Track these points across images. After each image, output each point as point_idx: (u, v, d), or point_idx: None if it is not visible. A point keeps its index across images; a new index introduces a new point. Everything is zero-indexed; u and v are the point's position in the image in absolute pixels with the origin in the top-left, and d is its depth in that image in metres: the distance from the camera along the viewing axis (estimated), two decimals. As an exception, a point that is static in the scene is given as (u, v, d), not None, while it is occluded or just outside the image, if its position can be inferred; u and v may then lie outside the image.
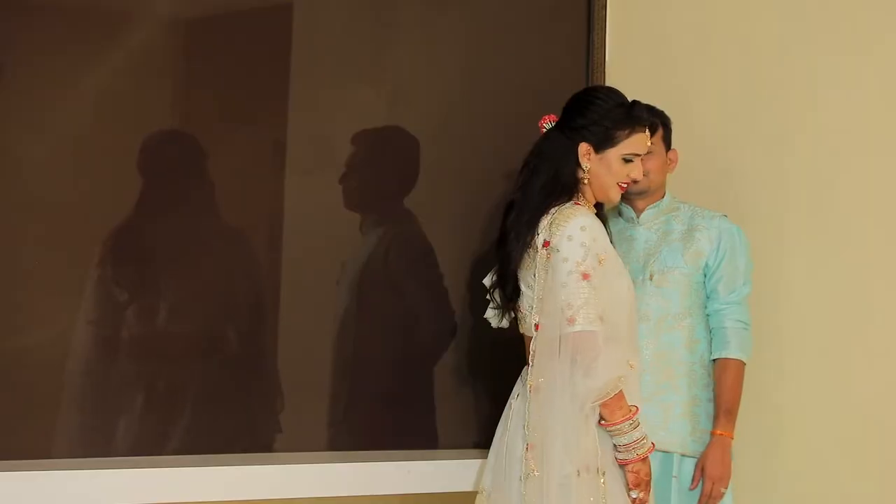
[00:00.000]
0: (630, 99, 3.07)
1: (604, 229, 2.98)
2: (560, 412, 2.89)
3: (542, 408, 2.93)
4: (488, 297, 3.14)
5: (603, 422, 2.90)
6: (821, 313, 3.49)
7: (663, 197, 3.47)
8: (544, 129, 3.09)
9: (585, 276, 2.87)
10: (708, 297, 3.40)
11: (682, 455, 3.33)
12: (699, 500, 3.30)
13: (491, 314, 3.15)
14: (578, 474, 2.87)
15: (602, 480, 2.88)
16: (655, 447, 3.06)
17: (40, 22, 3.09)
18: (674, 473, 3.31)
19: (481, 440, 3.52)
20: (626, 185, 3.05)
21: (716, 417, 3.34)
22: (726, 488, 3.30)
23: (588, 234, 2.91)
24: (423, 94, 3.60)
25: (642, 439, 2.91)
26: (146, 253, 3.22)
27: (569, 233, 2.91)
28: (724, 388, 3.34)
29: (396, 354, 3.54)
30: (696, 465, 3.32)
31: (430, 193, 3.58)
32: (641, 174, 3.05)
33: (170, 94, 3.30)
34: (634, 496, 2.90)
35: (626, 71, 3.83)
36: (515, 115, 3.67)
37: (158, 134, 3.23)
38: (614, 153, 3.01)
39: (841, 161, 3.48)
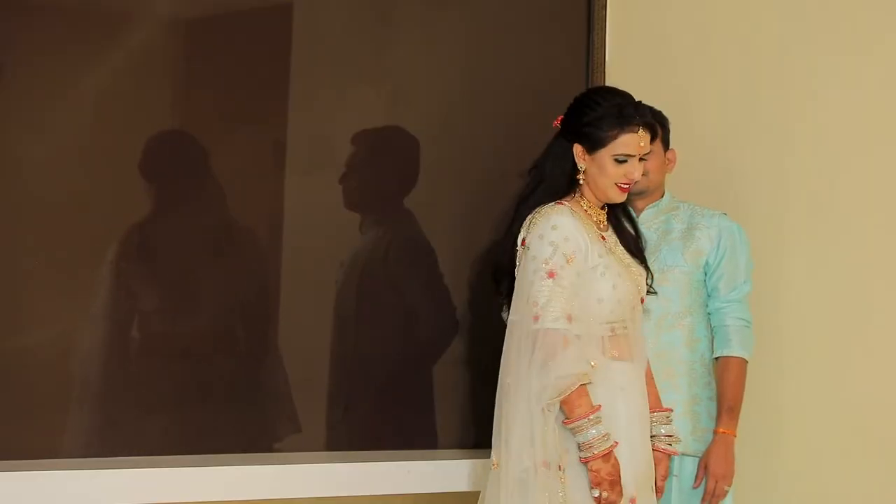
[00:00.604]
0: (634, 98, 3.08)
1: (580, 229, 2.98)
2: (520, 407, 2.93)
3: (506, 402, 2.97)
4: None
5: (565, 419, 2.92)
6: (821, 313, 3.49)
7: (662, 196, 3.47)
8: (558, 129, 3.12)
9: (551, 275, 2.92)
10: (709, 296, 3.40)
11: (683, 454, 3.32)
12: (703, 499, 3.30)
13: (504, 311, 3.18)
14: (536, 470, 2.89)
15: (561, 477, 2.89)
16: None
17: (40, 22, 3.09)
18: (674, 472, 3.31)
19: (481, 440, 3.51)
20: (626, 186, 3.05)
21: (718, 415, 3.34)
22: (730, 486, 3.29)
23: (559, 234, 2.94)
24: (423, 94, 3.60)
25: (601, 437, 2.89)
26: (145, 253, 3.22)
27: (540, 231, 2.96)
28: (726, 386, 3.34)
29: (397, 354, 3.54)
30: (700, 464, 3.32)
31: (430, 193, 3.58)
32: (640, 174, 3.05)
33: (170, 94, 3.30)
34: (596, 495, 2.90)
35: (626, 71, 3.83)
36: (515, 115, 3.67)
37: (158, 134, 3.23)
38: (605, 154, 3.01)
39: (841, 160, 3.48)
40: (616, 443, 2.90)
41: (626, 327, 3.03)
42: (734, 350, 3.35)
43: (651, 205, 3.45)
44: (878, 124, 3.42)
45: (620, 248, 3.10)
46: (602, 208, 3.09)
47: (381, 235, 3.53)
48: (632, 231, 3.15)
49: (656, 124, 3.23)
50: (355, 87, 3.49)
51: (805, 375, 3.50)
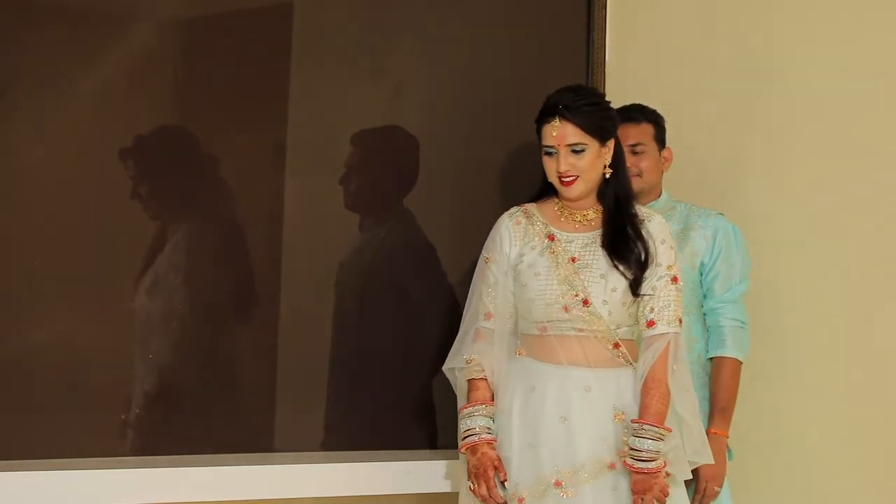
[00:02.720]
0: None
1: (509, 229, 3.07)
2: None
3: None
4: None
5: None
6: (821, 312, 3.49)
7: (659, 196, 3.46)
8: None
9: (478, 272, 3.11)
10: (704, 296, 3.40)
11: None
12: (693, 499, 3.29)
13: None
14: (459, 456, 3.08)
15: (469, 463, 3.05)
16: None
17: (40, 22, 3.09)
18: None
19: (481, 440, 3.51)
20: (565, 180, 2.99)
21: (711, 416, 3.33)
22: (720, 487, 3.29)
23: (490, 234, 3.11)
24: (423, 94, 3.60)
25: (467, 430, 3.00)
26: (145, 253, 3.22)
27: None
28: (719, 386, 3.34)
29: (396, 354, 3.54)
30: (690, 465, 3.32)
31: (430, 193, 3.58)
32: (564, 166, 2.98)
33: (170, 94, 3.30)
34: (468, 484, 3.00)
35: (626, 71, 3.83)
36: (515, 114, 3.66)
37: (158, 134, 3.23)
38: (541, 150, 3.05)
39: (840, 160, 3.48)
40: (482, 439, 2.98)
41: (571, 328, 2.96)
42: (728, 351, 3.35)
43: (647, 205, 3.43)
44: (878, 123, 3.42)
45: (588, 251, 3.00)
46: (596, 207, 3.03)
47: (382, 235, 3.53)
48: (632, 234, 3.01)
49: (575, 112, 2.98)
50: (355, 87, 3.49)
51: (805, 375, 3.50)
